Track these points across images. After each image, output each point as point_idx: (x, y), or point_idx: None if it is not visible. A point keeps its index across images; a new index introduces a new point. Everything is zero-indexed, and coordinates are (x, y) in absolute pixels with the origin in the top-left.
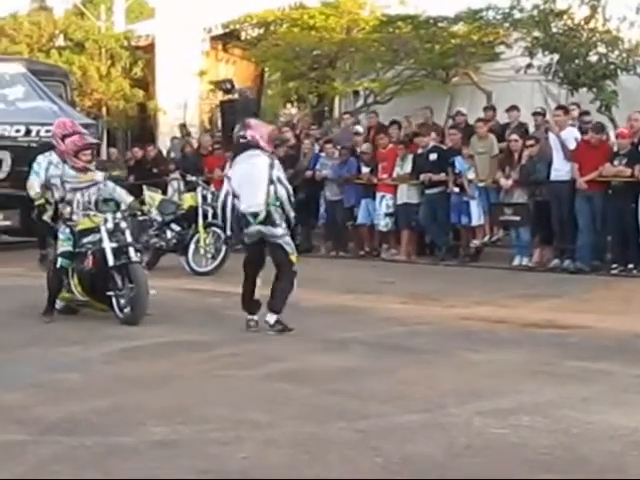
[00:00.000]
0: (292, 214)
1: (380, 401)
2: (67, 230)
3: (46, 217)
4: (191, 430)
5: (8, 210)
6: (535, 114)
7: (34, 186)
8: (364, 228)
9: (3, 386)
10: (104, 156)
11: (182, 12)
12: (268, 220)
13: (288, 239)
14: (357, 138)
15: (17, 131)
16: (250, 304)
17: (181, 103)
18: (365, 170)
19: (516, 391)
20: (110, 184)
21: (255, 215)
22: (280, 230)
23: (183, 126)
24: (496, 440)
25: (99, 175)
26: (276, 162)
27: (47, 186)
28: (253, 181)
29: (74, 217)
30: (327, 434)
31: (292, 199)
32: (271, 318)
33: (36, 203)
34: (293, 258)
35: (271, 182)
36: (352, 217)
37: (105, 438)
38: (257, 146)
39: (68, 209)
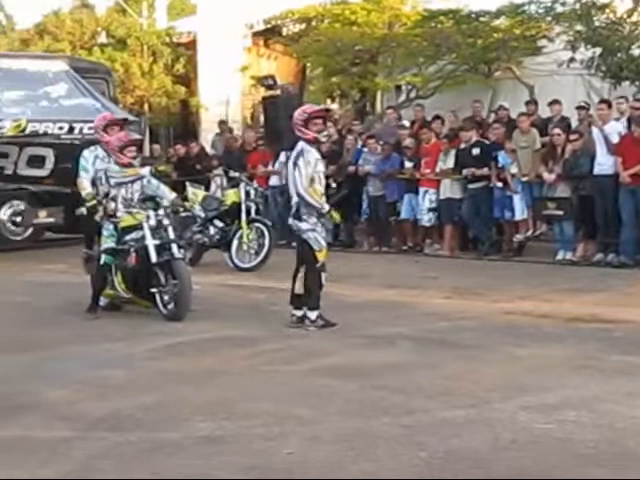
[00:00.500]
0: (320, 206)
1: (425, 396)
2: (111, 226)
3: (97, 217)
4: (236, 426)
5: (52, 207)
6: (578, 108)
7: (85, 185)
8: (407, 223)
9: (49, 383)
10: (147, 153)
11: (224, 8)
12: (296, 214)
13: (313, 234)
14: (402, 132)
15: (60, 128)
16: (292, 299)
17: (223, 99)
18: (408, 165)
19: (561, 386)
20: (154, 181)
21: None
22: (305, 225)
23: (223, 122)
24: (541, 435)
25: (144, 170)
26: (306, 149)
27: (93, 181)
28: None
29: (118, 213)
30: (372, 429)
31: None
32: (311, 314)
33: (88, 204)
34: (318, 255)
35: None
36: (395, 212)
37: (150, 434)
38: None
39: (112, 205)
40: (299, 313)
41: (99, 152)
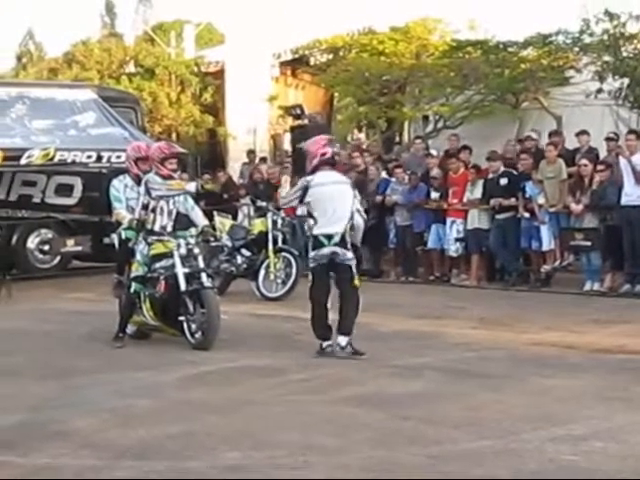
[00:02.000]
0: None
1: (452, 426)
2: (145, 250)
3: (131, 244)
4: (262, 455)
5: (79, 236)
6: (608, 139)
7: (123, 214)
8: (434, 253)
9: (76, 411)
10: None
11: (251, 38)
12: (342, 243)
13: (355, 263)
14: (430, 161)
15: (88, 157)
16: (325, 330)
17: (251, 128)
18: (435, 195)
19: (588, 417)
20: (191, 201)
21: (330, 237)
22: (350, 254)
23: (251, 152)
24: (568, 466)
25: (191, 186)
26: (356, 191)
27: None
28: (336, 205)
29: (155, 227)
30: (398, 459)
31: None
32: (343, 340)
33: (129, 222)
34: (357, 282)
35: (354, 210)
36: (422, 242)
37: (176, 463)
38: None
39: (151, 217)
40: (344, 341)
41: (128, 181)
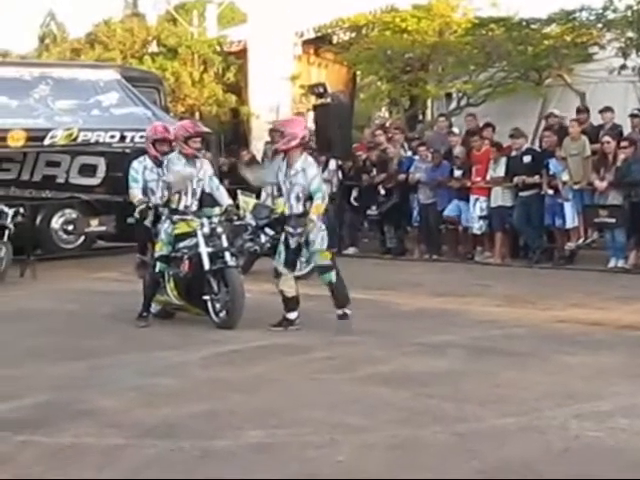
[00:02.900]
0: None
1: (476, 404)
2: (169, 229)
3: (147, 222)
4: (286, 433)
5: (103, 215)
6: (632, 116)
7: (136, 194)
8: (457, 230)
9: (101, 390)
10: None
11: (274, 17)
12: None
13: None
14: (453, 139)
15: (112, 137)
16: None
17: (274, 107)
18: (458, 173)
19: (613, 394)
20: (216, 180)
21: None
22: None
23: (274, 131)
24: (593, 443)
25: (207, 165)
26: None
27: (144, 191)
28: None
29: (180, 206)
30: (423, 437)
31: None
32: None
33: (138, 209)
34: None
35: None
36: (445, 220)
37: (201, 442)
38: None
39: (175, 197)
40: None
41: (147, 163)
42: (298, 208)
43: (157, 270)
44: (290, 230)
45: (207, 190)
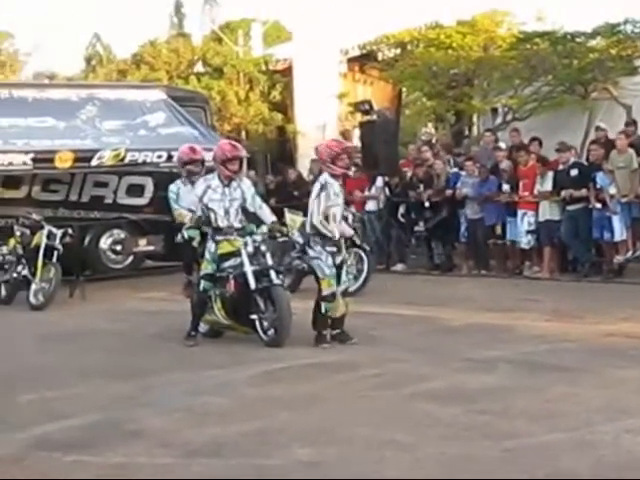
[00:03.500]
0: (332, 235)
1: (527, 419)
2: (213, 248)
3: (195, 243)
4: (336, 451)
5: (151, 235)
6: None
7: (183, 213)
8: (506, 246)
9: (150, 410)
10: None
11: (319, 35)
12: (308, 242)
13: (317, 262)
14: (499, 154)
15: (159, 157)
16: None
17: (320, 125)
18: (506, 187)
19: None
20: (258, 199)
21: None
22: (312, 252)
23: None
24: None
25: (246, 184)
26: (329, 182)
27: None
28: None
29: (221, 224)
30: (473, 453)
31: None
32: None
33: (194, 219)
34: (322, 283)
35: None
36: (493, 235)
37: (251, 460)
38: None
39: (212, 216)
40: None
41: (182, 185)
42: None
43: (202, 289)
44: (333, 249)
45: (250, 210)
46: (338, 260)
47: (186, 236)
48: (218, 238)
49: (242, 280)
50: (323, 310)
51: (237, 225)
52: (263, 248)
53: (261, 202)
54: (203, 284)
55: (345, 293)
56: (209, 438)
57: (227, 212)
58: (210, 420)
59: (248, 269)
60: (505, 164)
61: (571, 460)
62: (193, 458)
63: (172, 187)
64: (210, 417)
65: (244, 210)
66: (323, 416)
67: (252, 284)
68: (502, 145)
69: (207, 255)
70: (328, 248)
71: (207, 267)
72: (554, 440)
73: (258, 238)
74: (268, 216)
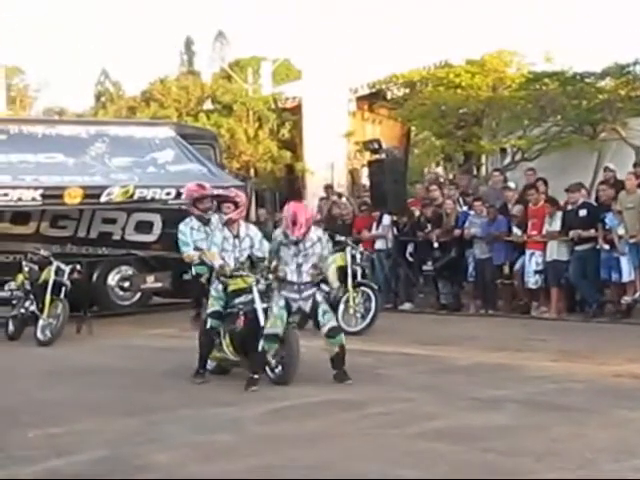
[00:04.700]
0: None
1: (533, 459)
2: (220, 287)
3: (203, 279)
4: None
5: (159, 272)
6: None
7: (192, 254)
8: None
9: (157, 446)
10: (253, 217)
11: (328, 73)
12: None
13: None
14: (509, 194)
15: (167, 194)
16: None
17: (329, 163)
18: (516, 231)
19: None
20: (265, 243)
21: None
22: None
23: (328, 187)
24: None
25: (252, 228)
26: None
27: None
28: None
29: (225, 266)
30: None
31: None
32: None
33: (195, 268)
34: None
35: None
36: (502, 275)
37: None
38: None
39: (220, 261)
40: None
41: (193, 223)
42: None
43: (209, 326)
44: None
45: (259, 255)
46: (296, 305)
47: (194, 272)
48: (226, 279)
49: (252, 316)
50: (260, 348)
51: (245, 267)
52: (274, 285)
53: (266, 243)
54: (210, 322)
55: (334, 331)
56: (216, 474)
57: (237, 261)
58: (217, 456)
59: (259, 306)
60: (517, 209)
61: None
62: None
63: (182, 227)
64: (217, 453)
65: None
66: (329, 453)
67: (262, 321)
68: (512, 185)
69: (214, 293)
70: (284, 292)
71: (214, 304)
72: (559, 478)
73: (270, 276)
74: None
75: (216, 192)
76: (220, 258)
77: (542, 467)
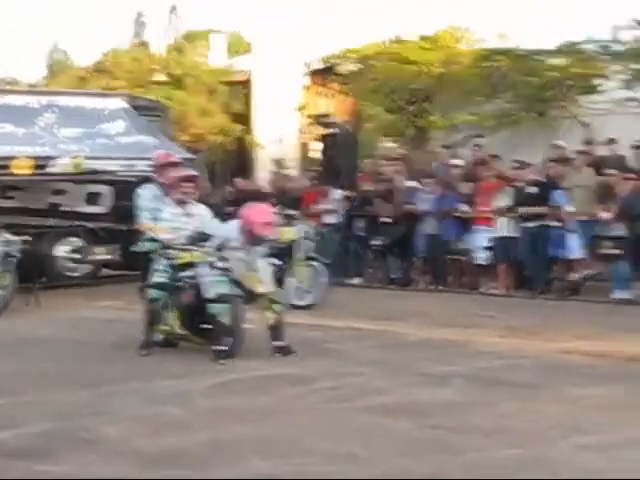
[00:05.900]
0: None
1: (481, 435)
2: (164, 262)
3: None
4: (290, 464)
5: (109, 244)
6: (636, 147)
7: (149, 225)
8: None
9: (106, 419)
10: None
11: (281, 47)
12: None
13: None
14: (454, 171)
15: (118, 165)
16: None
17: (280, 137)
18: (464, 208)
19: (619, 425)
20: (215, 222)
21: None
22: None
23: (278, 161)
24: (599, 475)
25: (201, 208)
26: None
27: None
28: None
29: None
30: (427, 468)
31: None
32: None
33: (147, 243)
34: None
35: None
36: (451, 250)
37: (206, 472)
38: None
39: (168, 236)
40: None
41: (156, 191)
42: None
43: (151, 297)
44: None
45: (208, 232)
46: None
47: (146, 248)
48: (173, 252)
49: (198, 290)
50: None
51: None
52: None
53: (212, 218)
54: (153, 293)
55: (275, 300)
56: (165, 448)
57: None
58: (165, 430)
59: (205, 279)
60: (464, 186)
61: (525, 476)
62: (149, 468)
63: (142, 192)
64: (165, 427)
65: None
66: (278, 428)
67: (207, 293)
68: (459, 162)
69: (159, 266)
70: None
71: (158, 277)
72: (508, 456)
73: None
74: (217, 230)
75: (184, 173)
76: (169, 234)
77: (490, 444)
